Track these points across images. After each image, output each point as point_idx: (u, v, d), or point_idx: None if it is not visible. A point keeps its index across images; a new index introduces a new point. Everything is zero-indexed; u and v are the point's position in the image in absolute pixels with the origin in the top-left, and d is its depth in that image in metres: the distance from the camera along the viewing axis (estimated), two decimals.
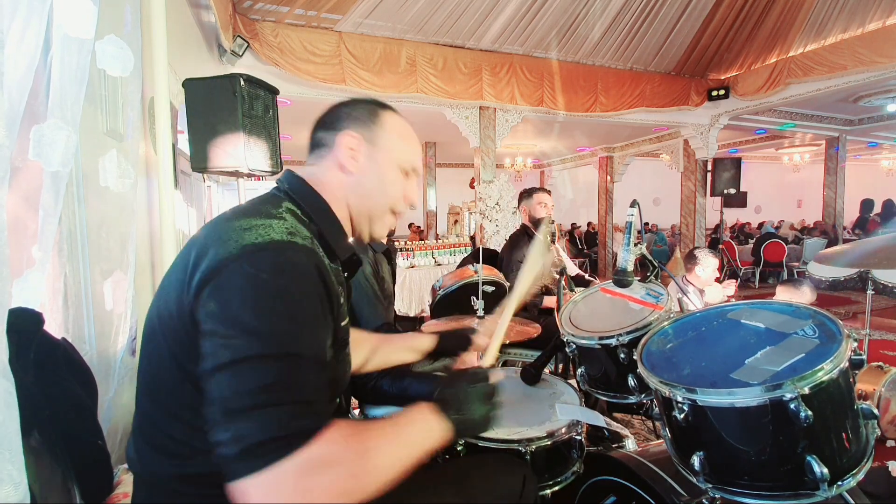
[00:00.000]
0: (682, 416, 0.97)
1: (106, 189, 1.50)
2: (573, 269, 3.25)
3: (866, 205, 8.70)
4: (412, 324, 2.45)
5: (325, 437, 0.64)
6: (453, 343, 1.37)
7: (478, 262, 2.24)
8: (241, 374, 0.64)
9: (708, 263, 2.97)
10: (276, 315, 0.67)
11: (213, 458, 0.68)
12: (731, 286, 3.02)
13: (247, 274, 0.68)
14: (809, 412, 0.85)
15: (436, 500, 0.97)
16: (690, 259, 3.02)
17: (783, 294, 2.83)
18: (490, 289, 2.39)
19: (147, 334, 0.82)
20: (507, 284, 2.57)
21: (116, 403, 1.45)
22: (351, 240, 0.98)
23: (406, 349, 1.33)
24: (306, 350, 0.69)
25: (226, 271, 0.69)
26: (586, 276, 3.22)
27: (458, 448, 1.33)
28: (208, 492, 0.76)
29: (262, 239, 0.72)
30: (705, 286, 2.97)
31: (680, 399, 0.97)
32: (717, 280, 3.07)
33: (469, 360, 1.40)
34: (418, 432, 0.77)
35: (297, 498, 0.60)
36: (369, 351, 1.26)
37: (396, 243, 5.45)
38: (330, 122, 0.95)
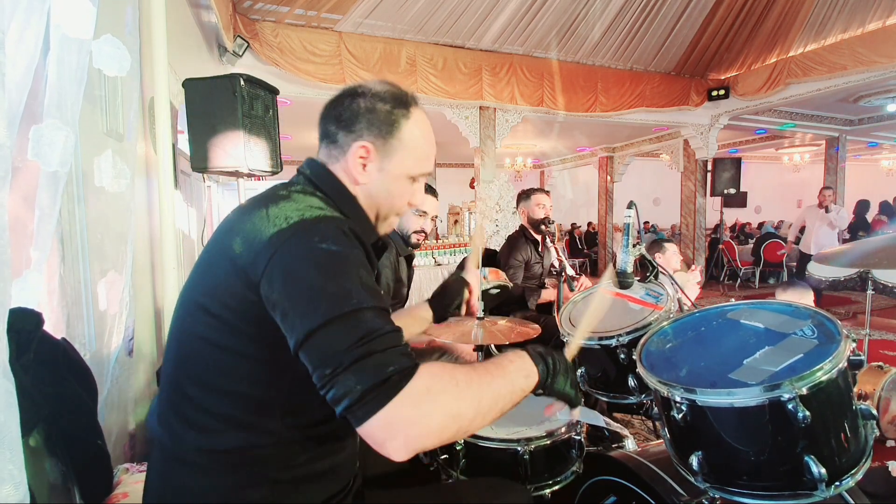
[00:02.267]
0: (681, 416, 0.97)
1: (102, 189, 1.50)
2: (570, 270, 3.26)
3: (862, 206, 8.63)
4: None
5: (422, 371, 0.70)
6: (447, 298, 1.41)
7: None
8: (331, 336, 0.69)
9: (673, 251, 3.12)
10: (341, 276, 0.73)
11: (243, 433, 0.79)
12: (696, 271, 3.13)
13: (306, 246, 0.74)
14: (807, 412, 0.85)
15: None
16: (657, 248, 3.12)
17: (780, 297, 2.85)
18: (494, 291, 2.40)
19: (180, 317, 0.85)
20: (510, 285, 2.57)
21: (110, 404, 1.45)
22: None
23: (415, 320, 1.37)
24: (376, 303, 0.73)
25: (285, 248, 0.74)
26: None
27: (458, 448, 1.33)
28: (232, 467, 0.80)
29: (310, 214, 0.78)
30: (674, 272, 3.05)
31: (679, 399, 0.97)
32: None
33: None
34: (513, 367, 0.83)
35: (414, 425, 0.67)
36: None
37: None
38: (347, 118, 0.91)
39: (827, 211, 6.05)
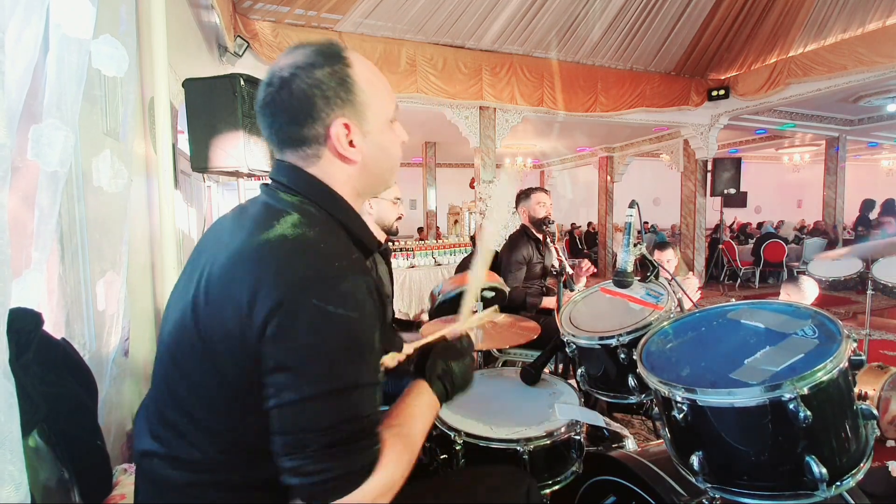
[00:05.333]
0: (682, 415, 0.97)
1: (100, 189, 1.50)
2: (570, 270, 3.26)
3: (867, 205, 8.66)
4: (410, 326, 2.44)
5: (384, 460, 0.73)
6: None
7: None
8: (314, 410, 0.68)
9: (668, 257, 3.16)
10: (343, 349, 0.70)
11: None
12: (693, 278, 3.15)
13: (314, 308, 0.68)
14: (808, 412, 0.85)
15: None
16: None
17: (786, 294, 2.85)
18: (490, 294, 2.39)
19: (175, 343, 0.79)
20: (506, 290, 2.56)
21: (109, 404, 1.44)
22: None
23: None
24: (371, 378, 0.74)
25: (291, 305, 0.68)
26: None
27: (457, 447, 1.33)
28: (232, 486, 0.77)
29: (321, 267, 0.71)
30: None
31: (679, 399, 0.97)
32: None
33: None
34: (426, 406, 0.89)
35: None
36: None
37: (396, 244, 5.45)
38: (303, 110, 0.79)
39: None
